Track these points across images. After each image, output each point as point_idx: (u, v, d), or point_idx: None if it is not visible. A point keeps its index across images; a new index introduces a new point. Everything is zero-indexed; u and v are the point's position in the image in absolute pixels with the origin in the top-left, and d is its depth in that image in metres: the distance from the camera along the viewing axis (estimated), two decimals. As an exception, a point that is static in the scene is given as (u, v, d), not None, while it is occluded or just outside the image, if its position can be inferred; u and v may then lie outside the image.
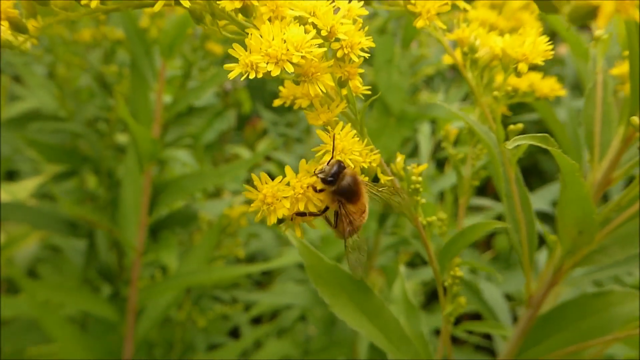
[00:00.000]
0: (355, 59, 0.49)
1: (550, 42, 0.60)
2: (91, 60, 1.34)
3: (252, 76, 0.44)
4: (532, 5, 0.92)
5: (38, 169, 1.67)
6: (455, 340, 1.61)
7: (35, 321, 1.18)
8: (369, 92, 0.55)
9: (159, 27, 1.26)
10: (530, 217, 0.69)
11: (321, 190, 0.51)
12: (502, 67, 0.62)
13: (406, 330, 0.67)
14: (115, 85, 1.33)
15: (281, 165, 1.82)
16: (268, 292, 1.47)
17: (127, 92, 1.30)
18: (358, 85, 0.53)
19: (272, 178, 0.49)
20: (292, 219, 0.52)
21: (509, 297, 1.31)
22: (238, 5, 0.45)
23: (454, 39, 0.67)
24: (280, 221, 0.51)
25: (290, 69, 0.45)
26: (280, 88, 0.57)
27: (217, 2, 0.46)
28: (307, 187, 0.50)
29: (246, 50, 0.46)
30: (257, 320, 1.70)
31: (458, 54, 0.67)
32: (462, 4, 0.59)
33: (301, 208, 0.49)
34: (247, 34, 0.47)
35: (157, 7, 0.44)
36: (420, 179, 0.60)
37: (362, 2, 0.53)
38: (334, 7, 0.49)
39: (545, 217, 1.43)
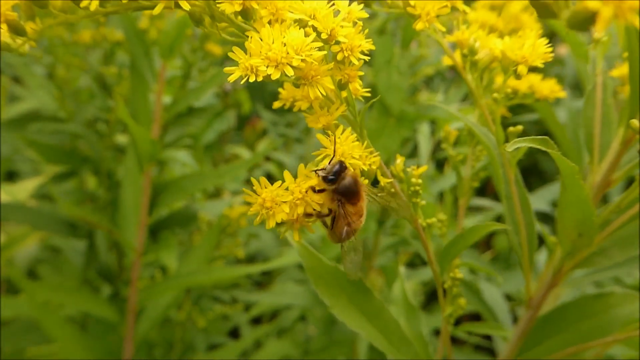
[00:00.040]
0: (355, 62, 0.49)
1: (549, 43, 0.60)
2: (91, 61, 1.34)
3: (252, 79, 0.44)
4: (532, 7, 0.92)
5: (38, 169, 1.67)
6: (455, 341, 1.61)
7: (35, 321, 1.18)
8: (369, 95, 0.55)
9: (158, 28, 1.26)
10: (530, 218, 0.69)
11: (321, 191, 0.51)
12: (502, 69, 0.62)
13: (406, 331, 0.67)
14: (115, 86, 1.33)
15: (281, 166, 1.82)
16: (268, 292, 1.47)
17: (127, 93, 1.30)
18: (358, 88, 0.53)
19: (272, 179, 0.49)
20: (297, 220, 0.52)
21: (508, 297, 1.32)
22: (238, 8, 0.45)
23: (454, 40, 0.67)
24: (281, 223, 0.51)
25: (290, 72, 0.45)
26: (280, 90, 0.57)
27: (217, 4, 0.46)
28: (307, 190, 0.50)
29: (246, 54, 0.46)
30: (257, 320, 1.70)
31: (458, 55, 0.67)
32: (462, 6, 0.59)
33: (300, 212, 0.49)
34: (247, 36, 0.47)
35: (157, 10, 0.44)
36: (419, 181, 0.60)
37: (362, 4, 0.53)
38: (333, 8, 0.49)
39: (545, 217, 1.43)
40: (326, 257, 0.65)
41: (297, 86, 0.50)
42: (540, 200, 1.55)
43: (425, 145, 1.54)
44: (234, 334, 1.57)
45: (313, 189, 0.51)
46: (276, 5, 0.47)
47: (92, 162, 1.32)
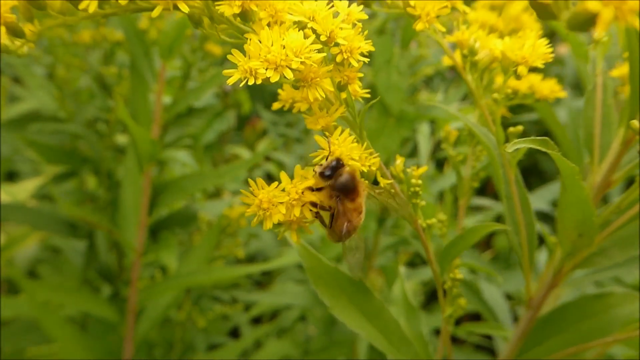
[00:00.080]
0: (355, 64, 0.49)
1: (549, 42, 0.60)
2: (91, 62, 1.34)
3: (251, 82, 0.44)
4: (532, 8, 0.92)
5: (38, 169, 1.67)
6: (455, 340, 1.61)
7: (35, 321, 1.18)
8: (369, 95, 0.55)
9: (158, 28, 1.26)
10: (530, 218, 0.69)
11: (319, 189, 0.51)
12: (502, 69, 0.62)
13: (406, 331, 0.67)
14: (114, 86, 1.33)
15: (281, 166, 1.82)
16: (268, 292, 1.47)
17: (127, 93, 1.30)
18: (357, 89, 0.53)
19: (272, 179, 0.49)
20: (295, 221, 0.52)
21: (508, 297, 1.32)
22: (237, 10, 0.45)
23: (454, 41, 0.67)
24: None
25: (289, 75, 0.45)
26: (279, 91, 0.57)
27: (216, 6, 0.46)
28: (303, 191, 0.50)
29: (245, 56, 0.46)
30: (257, 320, 1.70)
31: (458, 56, 0.67)
32: (462, 7, 0.59)
33: (297, 214, 0.49)
34: (246, 38, 0.47)
35: (156, 12, 0.44)
36: (419, 181, 0.60)
37: (362, 5, 0.53)
38: (332, 10, 0.49)
39: (545, 217, 1.43)
40: (326, 257, 0.65)
41: (296, 88, 0.50)
42: (540, 200, 1.55)
43: (425, 145, 1.54)
44: (234, 334, 1.57)
45: (311, 188, 0.51)
46: (275, 7, 0.47)
47: (92, 162, 1.32)
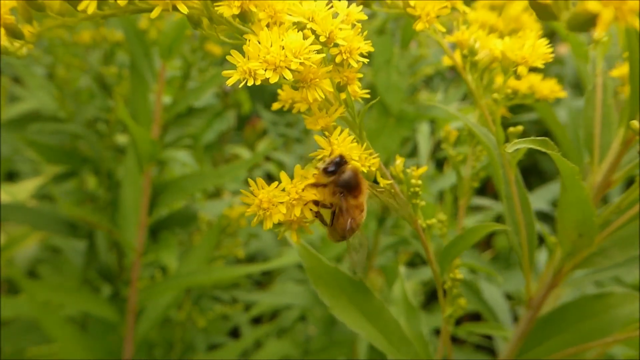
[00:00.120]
0: (354, 64, 0.49)
1: (549, 42, 0.60)
2: (91, 62, 1.34)
3: (250, 83, 0.44)
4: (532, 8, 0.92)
5: (38, 169, 1.67)
6: (455, 340, 1.61)
7: (35, 321, 1.18)
8: (368, 96, 0.55)
9: (158, 28, 1.26)
10: (530, 219, 0.69)
11: (323, 184, 0.51)
12: (502, 69, 0.62)
13: (406, 332, 0.67)
14: (114, 86, 1.33)
15: (281, 166, 1.82)
16: (268, 292, 1.47)
17: (127, 93, 1.30)
18: (357, 90, 0.53)
19: (272, 179, 0.49)
20: (295, 221, 0.51)
21: (508, 297, 1.32)
22: (236, 11, 0.45)
23: (454, 41, 0.67)
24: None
25: (288, 75, 0.45)
26: (279, 92, 0.57)
27: (215, 7, 0.46)
28: (304, 188, 0.50)
29: (244, 57, 0.46)
30: (257, 320, 1.70)
31: (458, 56, 0.67)
32: (462, 7, 0.58)
33: (297, 214, 0.49)
34: (245, 39, 0.47)
35: (154, 13, 0.44)
36: (419, 182, 0.60)
37: (361, 5, 0.53)
38: (332, 10, 0.49)
39: (545, 217, 1.43)
40: (326, 257, 0.65)
41: (295, 89, 0.50)
42: (540, 200, 1.55)
43: (424, 145, 1.54)
44: (234, 334, 1.57)
45: (314, 185, 0.50)
46: (274, 7, 0.46)
47: (92, 162, 1.32)
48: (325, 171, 0.50)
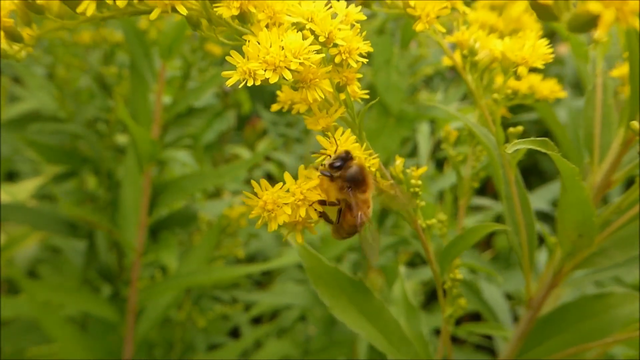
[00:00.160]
0: (354, 64, 0.49)
1: (549, 43, 0.60)
2: (91, 62, 1.34)
3: (250, 84, 0.44)
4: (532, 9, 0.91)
5: (38, 169, 1.67)
6: (455, 340, 1.61)
7: (35, 321, 1.18)
8: (368, 96, 0.55)
9: (158, 28, 1.26)
10: (530, 219, 0.69)
11: (331, 178, 0.50)
12: (502, 70, 0.62)
13: (406, 332, 0.67)
14: (114, 86, 1.33)
15: (281, 166, 1.82)
16: (268, 292, 1.47)
17: (127, 93, 1.30)
18: (356, 90, 0.53)
19: (272, 179, 0.49)
20: (300, 222, 0.51)
21: (508, 297, 1.32)
22: (235, 12, 0.45)
23: (454, 41, 0.67)
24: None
25: (288, 76, 0.45)
26: (278, 92, 0.57)
27: (214, 8, 0.46)
28: (309, 189, 0.50)
29: (244, 57, 0.46)
30: (257, 320, 1.70)
31: (458, 56, 0.67)
32: (462, 7, 0.58)
33: (302, 214, 0.49)
34: (245, 40, 0.47)
35: (154, 15, 0.44)
36: (419, 182, 0.60)
37: (361, 5, 0.53)
38: (331, 11, 0.49)
39: (545, 217, 1.43)
40: (326, 257, 0.65)
41: (295, 89, 0.50)
42: (540, 200, 1.55)
43: (424, 145, 1.54)
44: (234, 334, 1.57)
45: (322, 177, 0.50)
46: (273, 8, 0.46)
47: (92, 162, 1.32)
48: (332, 166, 0.50)
